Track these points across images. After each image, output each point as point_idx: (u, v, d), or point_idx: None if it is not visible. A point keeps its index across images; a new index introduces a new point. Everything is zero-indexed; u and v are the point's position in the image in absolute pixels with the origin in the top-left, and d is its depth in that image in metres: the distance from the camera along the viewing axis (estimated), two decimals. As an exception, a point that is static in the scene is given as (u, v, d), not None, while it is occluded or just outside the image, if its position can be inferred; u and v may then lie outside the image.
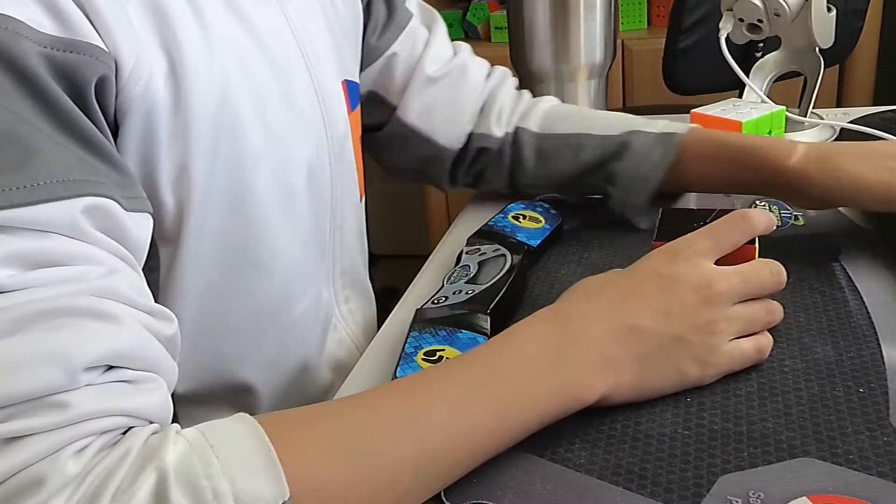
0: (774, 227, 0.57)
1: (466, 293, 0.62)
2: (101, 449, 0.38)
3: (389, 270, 2.76)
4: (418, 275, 0.77)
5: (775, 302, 0.56)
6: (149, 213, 0.49)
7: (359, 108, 0.75)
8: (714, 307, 0.51)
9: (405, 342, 0.57)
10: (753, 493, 0.43)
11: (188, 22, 0.53)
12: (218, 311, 0.60)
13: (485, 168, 0.85)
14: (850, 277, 0.66)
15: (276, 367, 0.65)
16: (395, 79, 0.81)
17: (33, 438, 0.36)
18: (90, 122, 0.45)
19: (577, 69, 0.97)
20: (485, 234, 0.74)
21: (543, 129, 0.82)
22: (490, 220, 0.76)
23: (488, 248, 0.70)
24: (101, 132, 0.46)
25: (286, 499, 0.38)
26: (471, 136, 0.83)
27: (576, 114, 0.83)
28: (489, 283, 0.63)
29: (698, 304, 0.51)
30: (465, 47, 0.86)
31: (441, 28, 0.84)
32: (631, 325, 0.50)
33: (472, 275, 0.66)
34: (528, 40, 0.97)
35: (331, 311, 0.70)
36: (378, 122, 0.83)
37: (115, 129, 0.50)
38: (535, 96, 1.00)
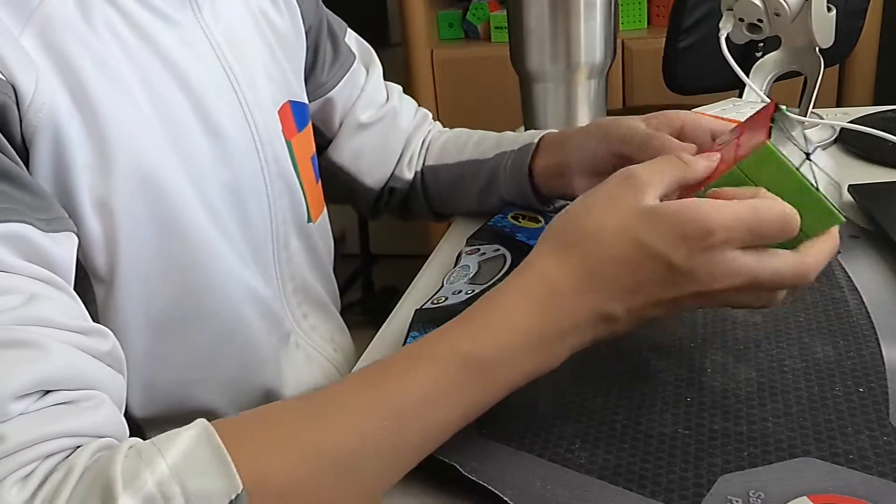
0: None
1: (466, 293, 0.62)
2: (48, 472, 0.39)
3: (389, 270, 2.77)
4: (418, 275, 0.77)
5: (777, 295, 0.50)
6: (72, 231, 0.50)
7: (308, 127, 0.75)
8: (704, 299, 0.48)
9: (405, 342, 0.57)
10: (753, 493, 0.43)
11: (85, 56, 0.53)
12: (169, 340, 0.59)
13: (405, 202, 0.89)
14: (849, 277, 0.66)
15: (238, 389, 0.65)
16: (332, 119, 0.84)
17: None
18: None
19: (577, 69, 0.97)
20: (485, 234, 0.74)
21: (438, 162, 0.86)
22: (490, 220, 0.77)
23: (488, 248, 0.70)
24: (9, 157, 0.47)
25: (238, 492, 0.38)
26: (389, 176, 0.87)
27: (460, 143, 0.86)
28: (489, 283, 0.63)
29: (693, 298, 0.47)
30: (396, 90, 0.89)
31: (377, 69, 0.87)
32: (618, 314, 0.47)
33: (471, 275, 0.66)
34: (528, 40, 0.97)
35: (287, 330, 0.70)
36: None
37: (25, 155, 0.50)
38: (534, 96, 1.00)
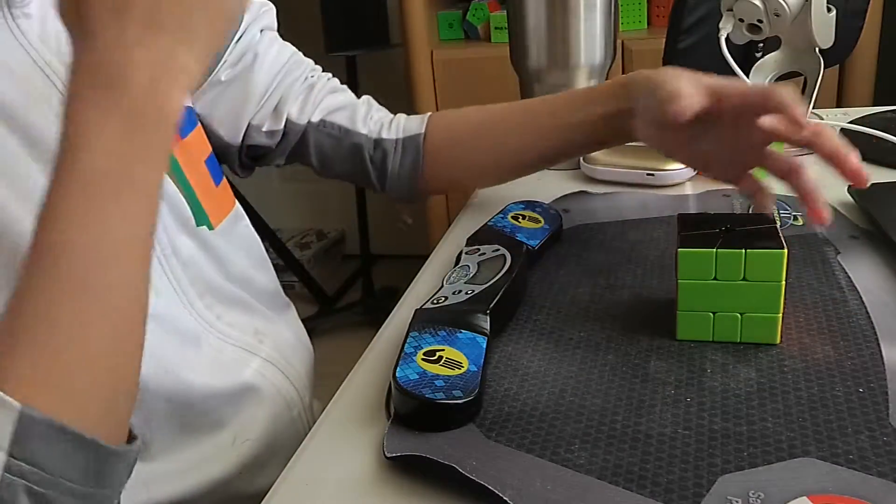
0: None
1: (466, 293, 0.62)
2: None
3: (389, 270, 2.77)
4: (418, 275, 0.77)
5: None
6: None
7: (196, 131, 0.73)
8: None
9: (404, 342, 0.57)
10: (753, 493, 0.43)
11: None
12: None
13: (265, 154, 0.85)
14: (849, 277, 0.66)
15: (143, 394, 0.63)
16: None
17: None
18: None
19: (577, 69, 0.97)
20: (485, 235, 0.74)
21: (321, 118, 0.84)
22: (490, 221, 0.77)
23: (488, 249, 0.70)
24: None
25: (19, 409, 0.39)
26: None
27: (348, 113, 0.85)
28: (489, 283, 0.63)
29: None
30: (266, 37, 0.82)
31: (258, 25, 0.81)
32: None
33: (471, 275, 0.66)
34: (528, 40, 0.97)
35: (195, 333, 0.68)
36: None
37: None
38: (534, 96, 1.00)
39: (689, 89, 0.66)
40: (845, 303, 0.62)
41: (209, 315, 0.70)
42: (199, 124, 0.74)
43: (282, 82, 0.82)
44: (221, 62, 0.79)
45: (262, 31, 0.82)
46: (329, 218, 2.96)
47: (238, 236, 0.75)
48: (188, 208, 0.68)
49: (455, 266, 0.70)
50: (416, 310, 0.61)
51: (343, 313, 2.53)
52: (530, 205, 0.80)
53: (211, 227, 0.71)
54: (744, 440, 0.47)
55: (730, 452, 0.47)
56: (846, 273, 0.66)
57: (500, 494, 0.44)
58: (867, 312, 0.60)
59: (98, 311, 0.44)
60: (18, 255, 0.51)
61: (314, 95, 0.84)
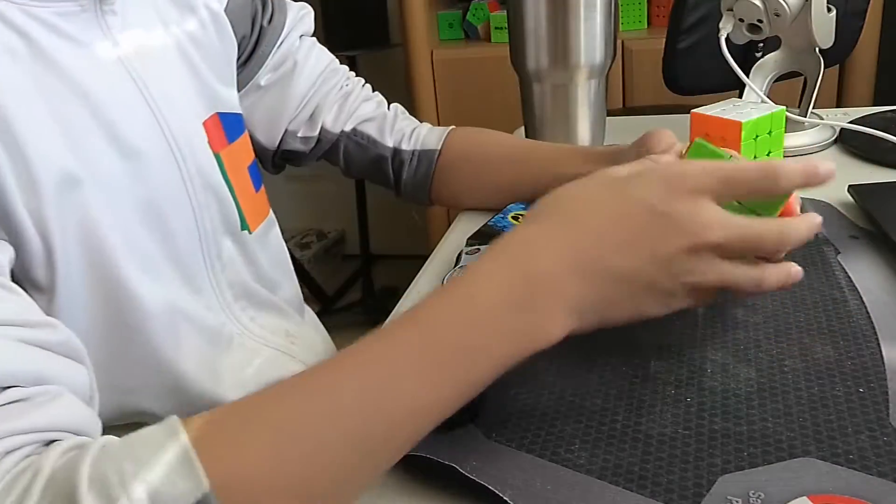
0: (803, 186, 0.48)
1: (466, 293, 0.62)
2: (9, 470, 0.38)
3: (389, 270, 2.77)
4: (418, 275, 0.77)
5: (772, 268, 0.49)
6: (3, 240, 0.50)
7: (244, 137, 0.75)
8: (700, 258, 0.46)
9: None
10: (753, 493, 0.43)
11: None
12: (108, 349, 0.59)
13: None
14: (849, 277, 0.66)
15: (178, 396, 0.64)
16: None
17: None
18: None
19: (577, 69, 0.97)
20: (485, 235, 0.74)
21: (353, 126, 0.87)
22: (490, 221, 0.77)
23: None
24: None
25: (205, 491, 0.37)
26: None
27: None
28: (489, 284, 0.63)
29: (685, 252, 0.46)
30: (306, 44, 0.85)
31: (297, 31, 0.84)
32: (604, 268, 0.45)
33: (472, 275, 0.66)
34: (528, 40, 0.97)
35: (228, 335, 0.69)
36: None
37: None
38: (534, 96, 1.00)
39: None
40: (845, 303, 0.62)
41: (244, 317, 0.71)
42: (246, 131, 0.76)
43: (318, 91, 0.84)
44: (263, 66, 0.81)
45: (301, 37, 0.84)
46: (329, 218, 2.96)
47: (270, 242, 0.77)
48: (236, 212, 0.70)
49: (455, 266, 0.70)
50: (416, 310, 0.61)
51: (343, 313, 2.53)
52: (530, 205, 0.80)
53: (250, 232, 0.73)
54: (744, 440, 0.47)
55: (730, 452, 0.47)
56: (846, 273, 0.66)
57: (501, 494, 0.44)
58: (867, 312, 0.60)
59: (334, 451, 0.41)
60: (86, 223, 0.55)
61: (349, 105, 0.86)
